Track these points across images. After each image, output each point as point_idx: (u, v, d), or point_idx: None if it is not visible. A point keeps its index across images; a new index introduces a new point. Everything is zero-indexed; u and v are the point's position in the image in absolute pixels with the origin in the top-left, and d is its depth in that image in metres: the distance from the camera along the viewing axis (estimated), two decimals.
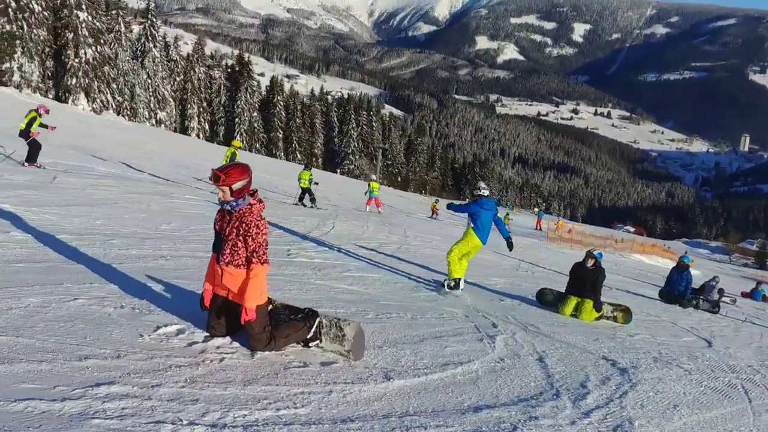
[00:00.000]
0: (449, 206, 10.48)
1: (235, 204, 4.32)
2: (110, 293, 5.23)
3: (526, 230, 42.21)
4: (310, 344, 4.83)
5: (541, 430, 4.05)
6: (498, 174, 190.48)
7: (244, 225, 4.32)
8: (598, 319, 9.28)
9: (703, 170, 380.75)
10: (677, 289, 14.87)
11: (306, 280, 7.71)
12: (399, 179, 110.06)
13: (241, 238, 4.33)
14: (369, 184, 27.75)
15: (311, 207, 21.74)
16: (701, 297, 14.87)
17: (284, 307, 5.01)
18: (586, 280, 9.31)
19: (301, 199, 22.98)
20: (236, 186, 4.27)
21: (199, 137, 77.23)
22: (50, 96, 50.50)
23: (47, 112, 16.50)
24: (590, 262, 9.47)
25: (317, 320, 4.83)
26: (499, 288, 10.80)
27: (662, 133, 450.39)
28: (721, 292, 17.09)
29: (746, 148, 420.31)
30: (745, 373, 7.16)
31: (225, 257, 4.38)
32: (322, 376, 4.30)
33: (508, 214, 45.75)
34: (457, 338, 6.11)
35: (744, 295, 24.15)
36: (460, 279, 9.11)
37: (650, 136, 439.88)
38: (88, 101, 51.47)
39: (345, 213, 21.75)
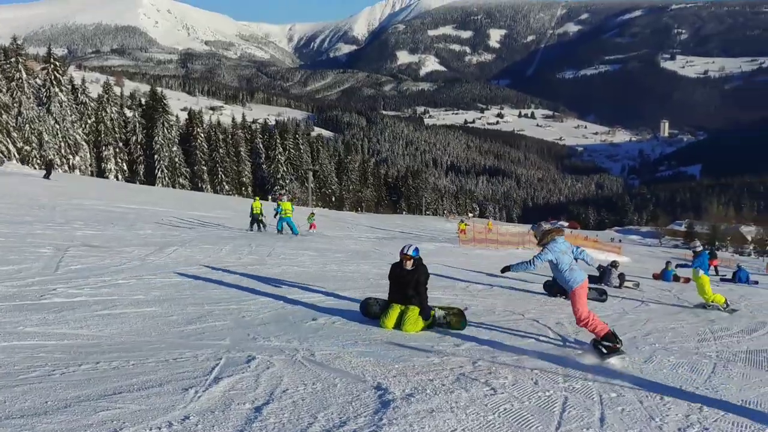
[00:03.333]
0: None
1: None
2: None
3: (450, 236, 41.79)
4: None
5: None
6: (432, 184, 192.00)
7: None
8: (428, 327, 7.90)
9: (629, 159, 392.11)
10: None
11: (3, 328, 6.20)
12: (333, 199, 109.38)
13: None
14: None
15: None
16: (591, 285, 13.84)
17: None
18: (407, 283, 7.81)
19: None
20: None
21: (118, 178, 74.85)
22: None
23: None
24: (408, 264, 7.88)
25: None
26: (327, 303, 9.35)
27: (585, 127, 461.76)
28: (621, 277, 16.93)
29: (666, 134, 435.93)
30: (581, 381, 5.85)
31: None
32: None
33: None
34: (137, 394, 4.46)
35: (655, 276, 23.69)
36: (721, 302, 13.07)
37: (574, 132, 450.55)
38: None
39: (217, 237, 19.77)
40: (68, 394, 4.36)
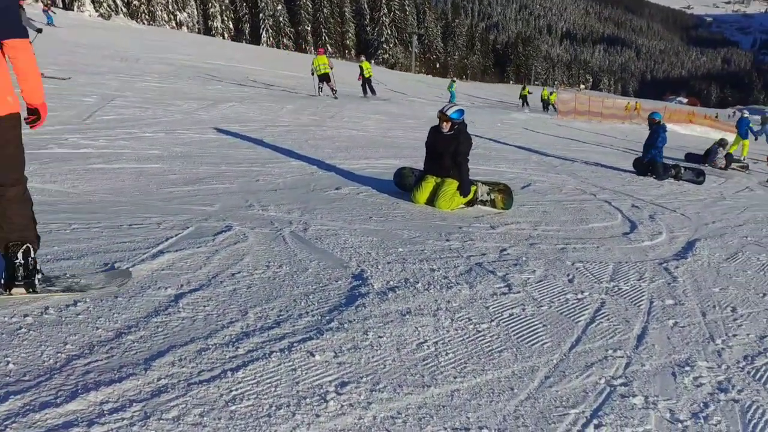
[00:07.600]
0: None
1: None
2: None
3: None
4: None
5: None
6: (544, 52, 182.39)
7: None
8: (470, 204, 6.67)
9: (762, 33, 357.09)
10: (645, 156, 11.67)
11: None
12: (437, 65, 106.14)
13: None
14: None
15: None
16: (683, 166, 12.03)
17: None
18: (444, 152, 6.51)
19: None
20: None
21: (224, 37, 75.11)
22: (59, 3, 49.10)
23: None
24: (445, 126, 6.52)
25: None
26: (368, 172, 8.11)
27: None
28: (728, 157, 15.10)
29: None
30: (633, 281, 4.52)
31: None
32: None
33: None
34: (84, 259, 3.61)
35: None
36: None
37: (705, 0, 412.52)
38: (94, 6, 49.70)
39: (287, 95, 18.67)
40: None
